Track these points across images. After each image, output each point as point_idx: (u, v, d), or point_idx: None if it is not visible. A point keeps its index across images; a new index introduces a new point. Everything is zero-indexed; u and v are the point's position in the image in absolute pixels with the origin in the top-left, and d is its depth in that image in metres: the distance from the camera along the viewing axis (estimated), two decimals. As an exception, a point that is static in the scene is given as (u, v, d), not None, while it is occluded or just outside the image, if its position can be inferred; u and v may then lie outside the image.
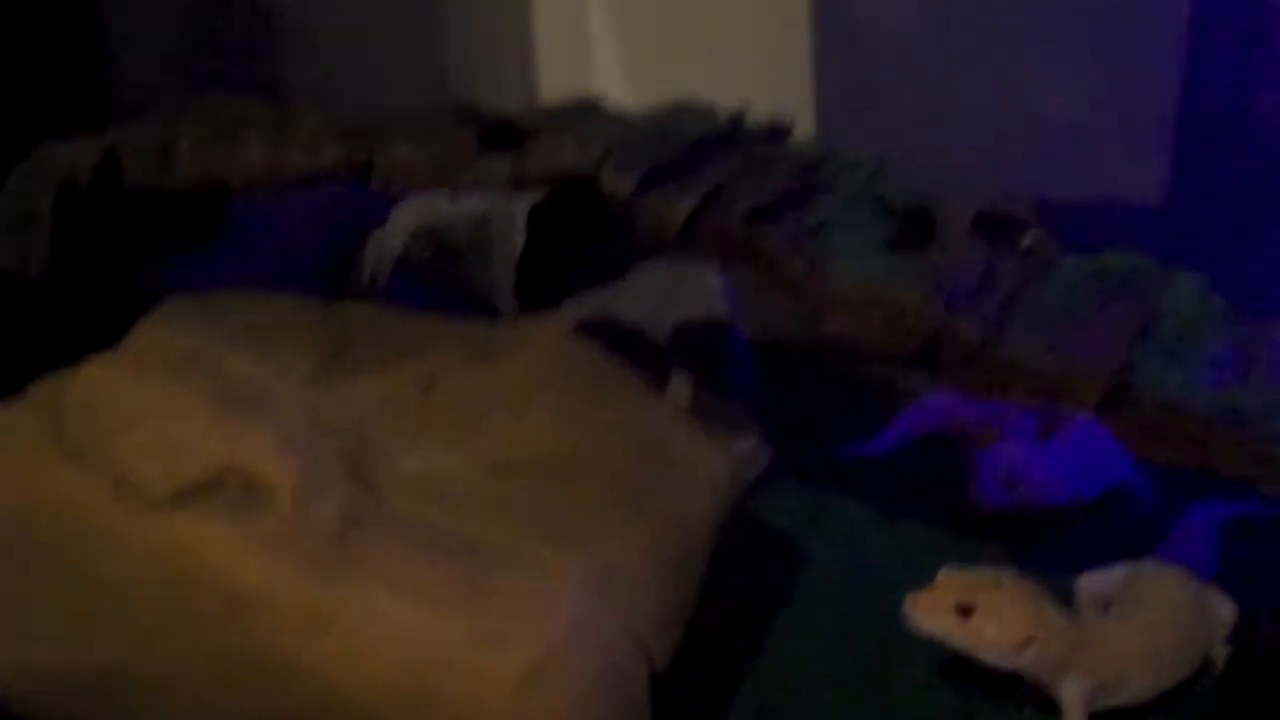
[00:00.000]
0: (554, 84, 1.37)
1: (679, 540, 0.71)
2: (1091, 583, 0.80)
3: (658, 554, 0.70)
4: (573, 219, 1.18)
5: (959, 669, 0.75)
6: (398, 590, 0.64)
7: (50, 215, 0.79)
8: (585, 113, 0.81)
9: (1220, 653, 0.77)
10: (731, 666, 0.78)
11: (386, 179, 0.72)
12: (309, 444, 0.69)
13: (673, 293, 1.16)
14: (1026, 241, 0.71)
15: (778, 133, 0.79)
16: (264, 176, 0.75)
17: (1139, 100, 1.24)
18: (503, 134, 0.74)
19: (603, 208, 1.16)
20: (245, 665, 0.65)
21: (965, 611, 0.68)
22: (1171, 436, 0.65)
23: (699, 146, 0.73)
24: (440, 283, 1.19)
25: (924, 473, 1.00)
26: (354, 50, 1.31)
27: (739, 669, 0.78)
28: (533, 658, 0.63)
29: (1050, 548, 0.89)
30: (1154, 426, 0.64)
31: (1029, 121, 1.27)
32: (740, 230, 0.66)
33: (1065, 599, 0.81)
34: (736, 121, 0.78)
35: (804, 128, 1.23)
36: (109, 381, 0.71)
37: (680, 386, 1.03)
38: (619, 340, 1.13)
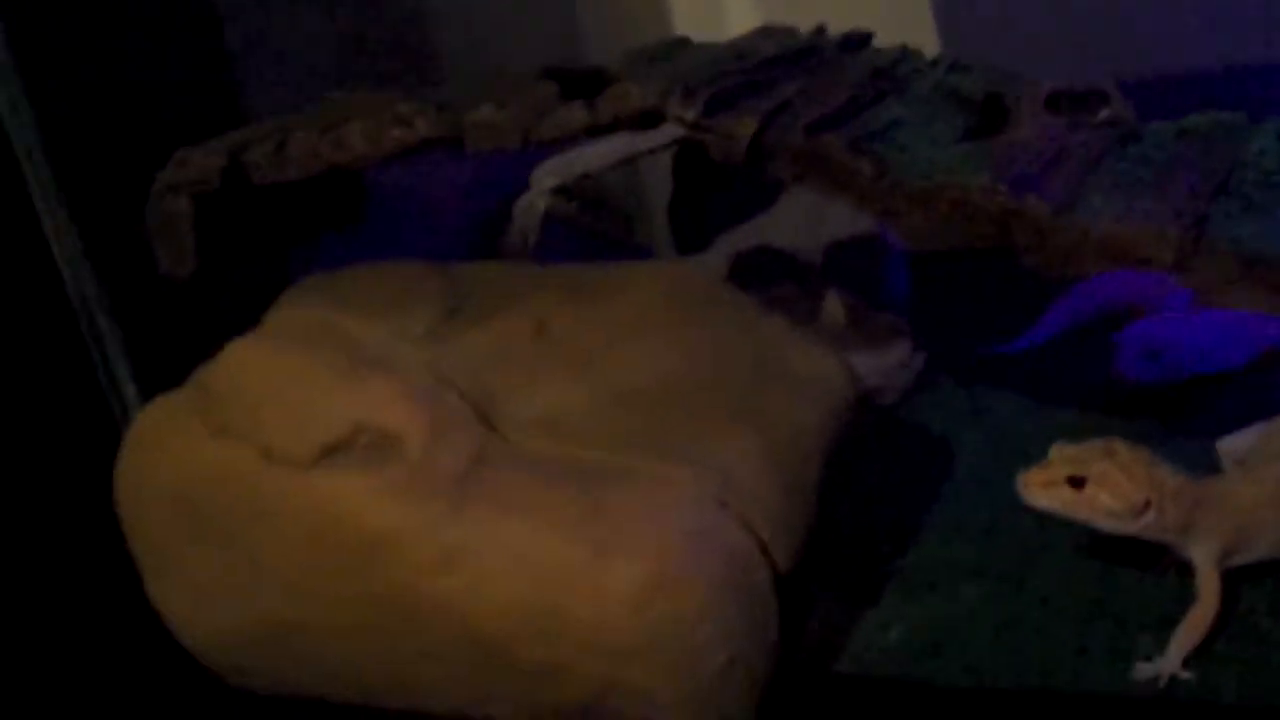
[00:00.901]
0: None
1: (792, 445, 0.73)
2: (1231, 444, 0.78)
3: (771, 460, 0.72)
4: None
5: (1107, 551, 0.75)
6: (520, 517, 0.68)
7: (190, 219, 0.85)
8: (671, 50, 0.83)
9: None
10: (878, 569, 0.80)
11: (476, 142, 0.76)
12: (431, 395, 0.73)
13: (819, 213, 1.18)
14: (1104, 113, 0.71)
15: (853, 42, 0.80)
16: (368, 156, 0.79)
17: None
18: (586, 84, 0.76)
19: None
20: (386, 606, 0.70)
21: (1078, 483, 0.69)
22: (1255, 285, 0.63)
23: (768, 66, 0.74)
24: (591, 234, 1.24)
25: (1075, 359, 0.99)
26: (501, 29, 1.36)
27: (886, 571, 0.80)
28: (650, 567, 0.66)
29: (1199, 418, 0.88)
30: (1235, 278, 0.63)
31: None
32: (803, 143, 0.68)
33: (1214, 467, 0.80)
34: (814, 37, 0.80)
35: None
36: (249, 359, 0.76)
37: (834, 304, 1.06)
38: (773, 266, 1.15)
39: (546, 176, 1.14)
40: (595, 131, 0.75)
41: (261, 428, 0.74)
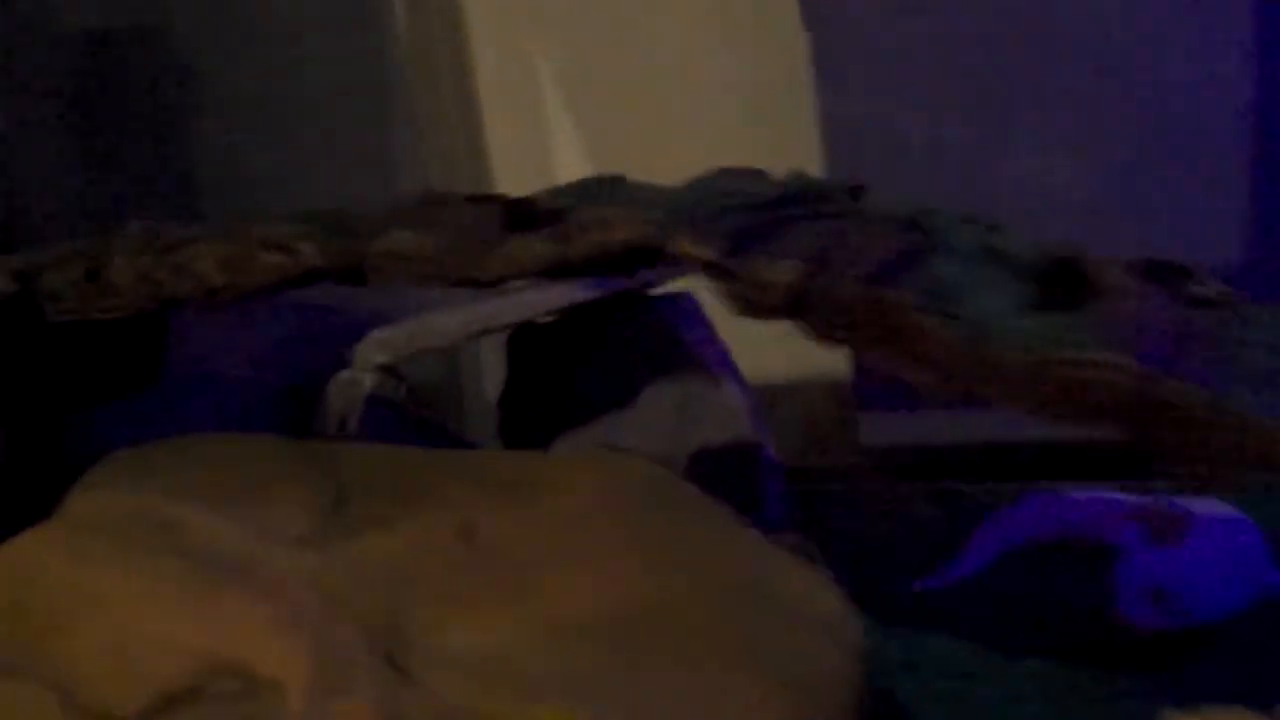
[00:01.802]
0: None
1: (814, 699, 0.54)
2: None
3: (796, 722, 0.53)
4: (567, 336, 1.03)
5: None
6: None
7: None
8: (610, 187, 0.65)
9: None
10: None
11: (385, 276, 0.56)
12: (319, 623, 0.51)
13: (687, 414, 1.01)
14: (1205, 290, 0.57)
15: (854, 191, 0.64)
16: (227, 288, 0.58)
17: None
18: (525, 215, 0.58)
19: (606, 319, 1.02)
20: None
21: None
22: None
23: (775, 206, 0.58)
24: (419, 425, 1.03)
25: (1023, 593, 0.85)
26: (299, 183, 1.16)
27: None
28: None
29: (1212, 672, 0.73)
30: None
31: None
32: (860, 295, 0.51)
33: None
34: (801, 182, 0.64)
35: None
36: (40, 566, 0.53)
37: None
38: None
39: (376, 350, 0.94)
40: (563, 271, 0.56)
41: (59, 667, 0.51)
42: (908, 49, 1.07)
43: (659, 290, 1.04)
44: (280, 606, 0.51)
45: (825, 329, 0.52)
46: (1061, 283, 0.56)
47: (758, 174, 0.66)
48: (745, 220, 0.54)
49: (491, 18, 1.26)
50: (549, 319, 1.04)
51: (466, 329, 0.92)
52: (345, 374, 0.94)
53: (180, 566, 0.52)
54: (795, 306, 0.53)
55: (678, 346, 1.02)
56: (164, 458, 0.60)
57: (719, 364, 1.03)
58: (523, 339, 1.05)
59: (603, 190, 0.64)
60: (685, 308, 1.04)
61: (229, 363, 0.96)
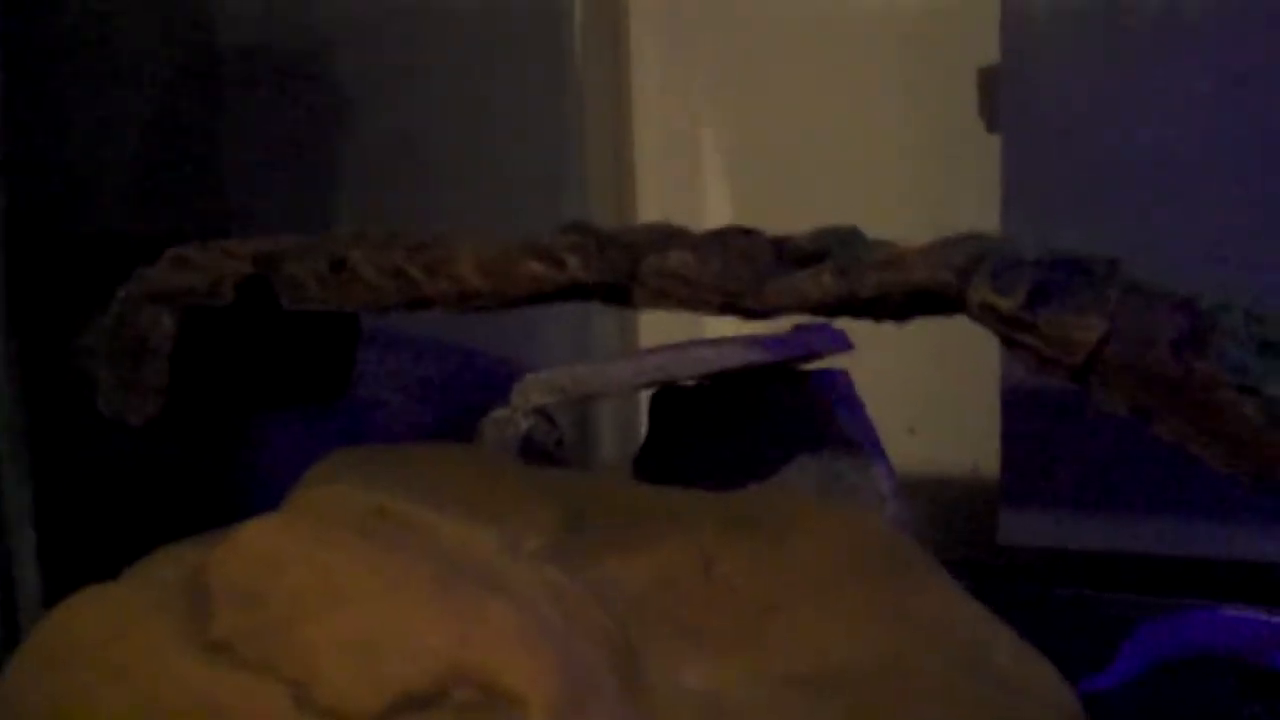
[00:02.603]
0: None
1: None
2: None
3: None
4: (714, 401, 1.01)
5: None
6: None
7: (171, 342, 0.60)
8: (850, 240, 0.64)
9: None
10: None
11: (654, 297, 0.54)
12: (565, 642, 0.49)
13: (832, 493, 0.99)
14: None
15: (1111, 264, 0.62)
16: (485, 294, 0.56)
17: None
18: (792, 252, 0.56)
19: (758, 388, 1.00)
20: None
21: None
22: None
23: (1057, 265, 0.56)
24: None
25: (1177, 705, 0.82)
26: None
27: None
28: None
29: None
30: None
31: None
32: (1169, 365, 0.49)
33: None
34: (1063, 251, 0.62)
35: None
36: (282, 554, 0.51)
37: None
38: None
39: (535, 390, 0.92)
40: (844, 309, 0.55)
41: (293, 656, 0.49)
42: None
43: (813, 366, 1.03)
44: (530, 619, 0.49)
45: (1124, 395, 0.51)
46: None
47: (1009, 239, 0.65)
48: (1045, 275, 0.53)
49: (655, 79, 1.26)
50: (693, 383, 1.02)
51: (637, 377, 0.90)
52: (501, 412, 0.93)
53: (428, 567, 0.50)
54: (1093, 369, 0.51)
55: (829, 423, 1.00)
56: (396, 460, 0.58)
57: (869, 445, 1.01)
58: (667, 400, 1.03)
59: (849, 239, 0.62)
60: (840, 384, 1.02)
61: (392, 390, 0.95)
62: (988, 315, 0.52)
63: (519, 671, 0.48)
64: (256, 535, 0.51)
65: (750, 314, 0.55)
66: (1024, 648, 0.59)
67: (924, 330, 1.21)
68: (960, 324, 1.20)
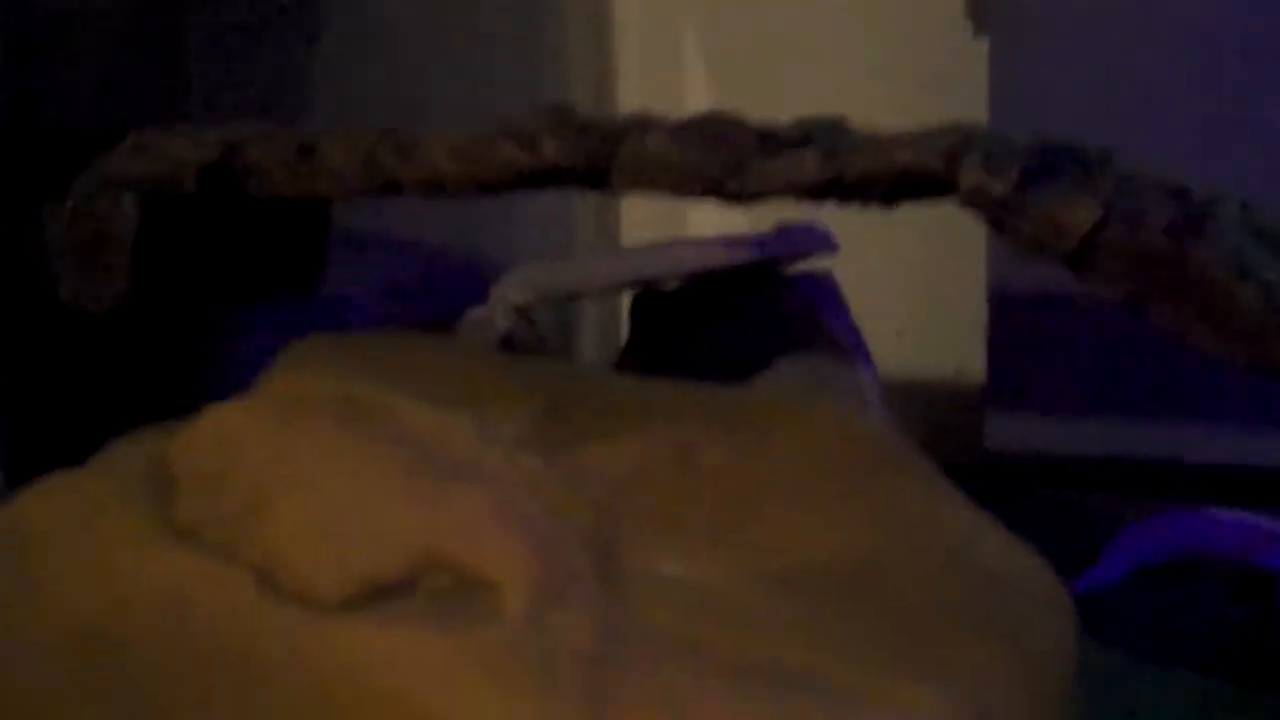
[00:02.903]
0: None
1: (1043, 669, 0.51)
2: None
3: (1029, 687, 0.49)
4: (697, 304, 0.99)
5: None
6: (704, 741, 0.43)
7: (134, 229, 0.59)
8: (835, 127, 0.62)
9: None
10: None
11: (632, 182, 0.53)
12: (542, 528, 0.48)
13: (823, 381, 0.98)
14: None
15: (1103, 152, 0.61)
16: (458, 178, 0.55)
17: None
18: (775, 137, 0.55)
19: (742, 290, 0.98)
20: None
21: None
22: None
23: (1046, 151, 0.54)
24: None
25: (1166, 608, 0.82)
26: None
27: None
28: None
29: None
30: None
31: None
32: (1165, 248, 0.48)
33: None
34: (1055, 138, 0.60)
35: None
36: (247, 437, 0.50)
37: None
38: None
39: (516, 289, 0.90)
40: (831, 193, 0.53)
41: (259, 542, 0.48)
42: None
43: (799, 269, 1.01)
44: (505, 505, 0.48)
45: (1118, 280, 0.49)
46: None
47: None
48: (1036, 159, 0.51)
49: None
50: (675, 285, 1.01)
51: (617, 275, 0.88)
52: (479, 311, 0.91)
53: (398, 452, 0.49)
54: (1087, 253, 0.49)
55: (814, 326, 0.99)
56: (367, 348, 0.57)
57: (855, 349, 1.00)
58: (648, 303, 1.02)
59: (834, 126, 0.60)
60: (825, 287, 1.01)
61: (367, 290, 0.93)
62: (979, 199, 0.50)
63: (493, 557, 0.47)
64: (220, 420, 0.50)
65: (733, 199, 0.53)
66: (1014, 544, 0.58)
67: (911, 233, 1.20)
68: (947, 227, 1.19)
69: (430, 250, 0.99)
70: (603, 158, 0.53)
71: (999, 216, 0.50)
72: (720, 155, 0.52)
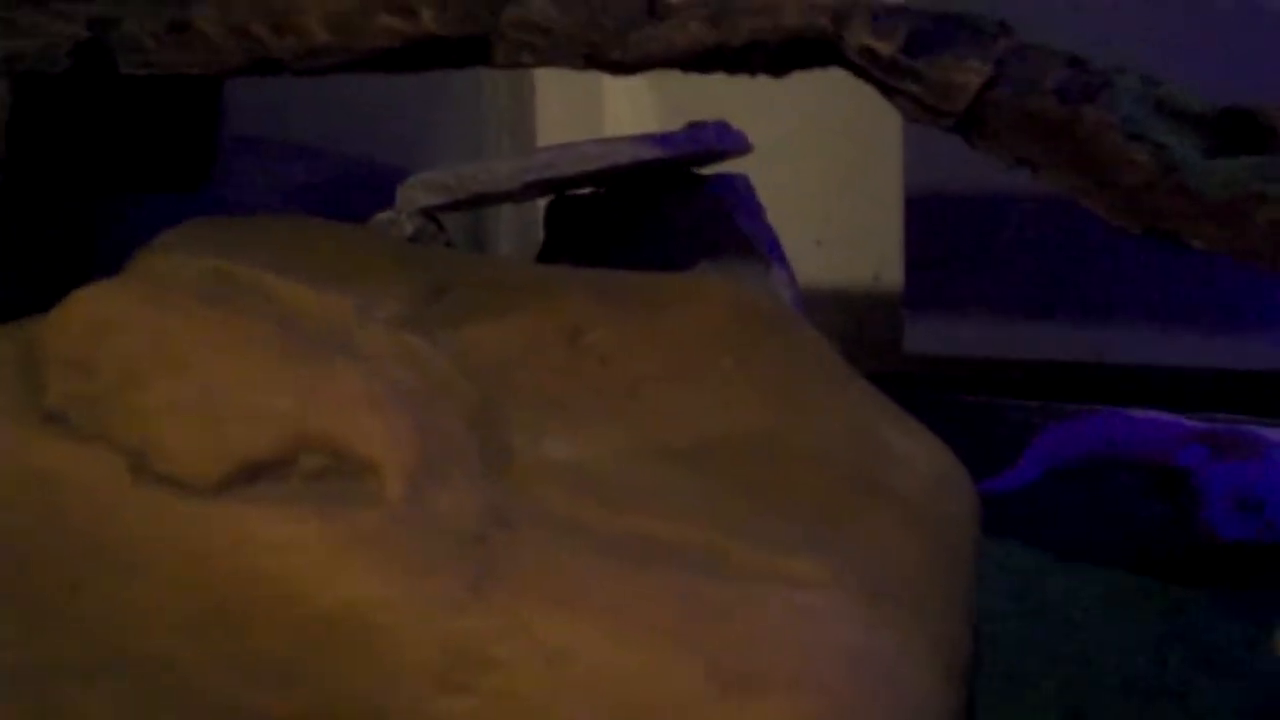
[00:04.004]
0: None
1: (945, 547, 0.50)
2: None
3: (933, 570, 0.48)
4: (610, 208, 0.98)
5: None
6: (587, 617, 0.42)
7: (6, 114, 0.56)
8: None
9: None
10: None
11: (514, 52, 0.51)
12: (422, 407, 0.47)
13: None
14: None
15: (1002, 25, 0.59)
16: (332, 49, 0.52)
17: None
18: (666, 6, 0.53)
19: (655, 194, 0.97)
20: (340, 731, 0.42)
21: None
22: None
23: (942, 21, 0.53)
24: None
25: (1081, 505, 0.82)
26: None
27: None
28: (811, 707, 0.41)
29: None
30: None
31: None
32: (1055, 109, 0.46)
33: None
34: (950, 10, 0.58)
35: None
36: (115, 317, 0.48)
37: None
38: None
39: (422, 191, 0.89)
40: (716, 60, 0.51)
41: (131, 424, 0.46)
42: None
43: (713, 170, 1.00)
44: (382, 384, 0.46)
45: (1009, 143, 0.48)
46: (1240, 133, 0.52)
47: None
48: (925, 23, 0.50)
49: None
50: (587, 191, 0.99)
51: (523, 176, 0.86)
52: (385, 214, 0.89)
53: (271, 330, 0.47)
54: (977, 116, 0.48)
55: (729, 228, 0.98)
56: (246, 229, 0.54)
57: (769, 249, 0.98)
58: (562, 208, 1.00)
59: None
60: (739, 189, 0.99)
61: (263, 192, 0.91)
62: (866, 60, 0.49)
63: (370, 436, 0.45)
64: (87, 301, 0.48)
65: (616, 68, 0.51)
66: (914, 426, 0.57)
67: (827, 142, 1.18)
68: (863, 135, 1.17)
69: (337, 156, 0.96)
70: (484, 26, 0.51)
71: (887, 80, 0.48)
72: (602, 22, 0.50)
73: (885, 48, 0.48)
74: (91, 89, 0.58)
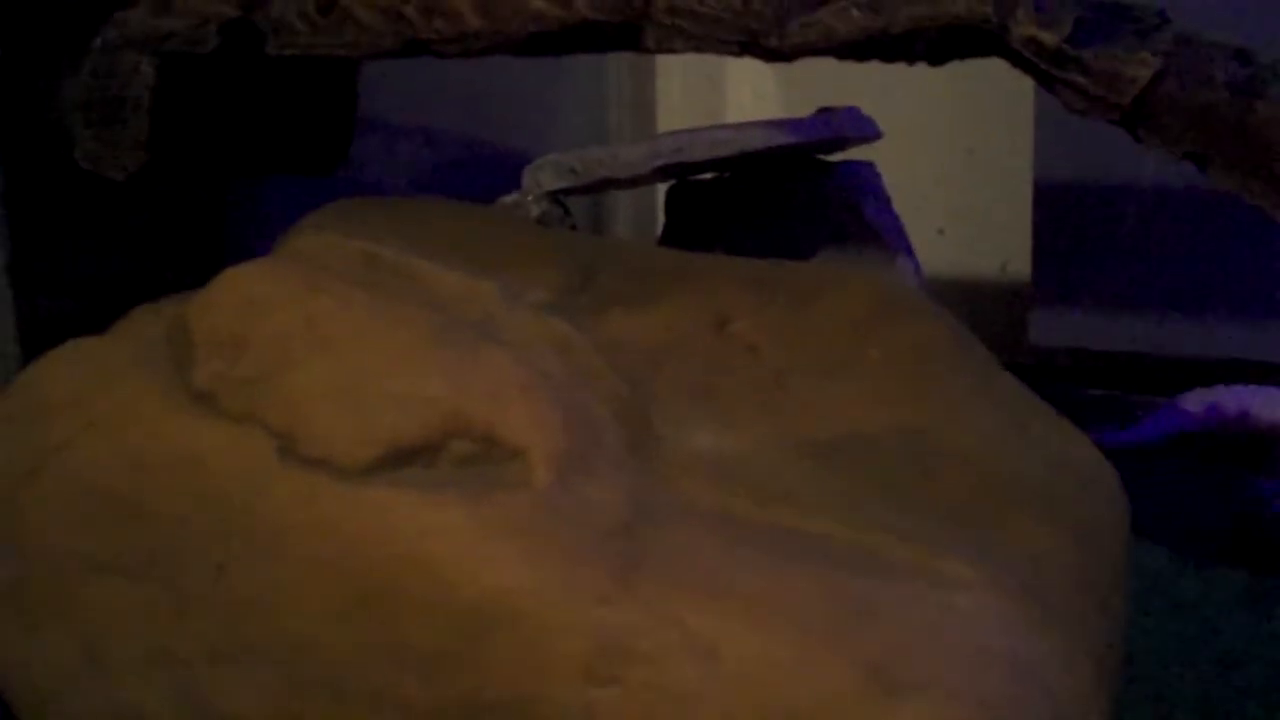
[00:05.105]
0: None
1: (1096, 547, 0.49)
2: None
3: (1083, 573, 0.47)
4: (734, 193, 0.97)
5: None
6: (737, 611, 0.42)
7: (151, 91, 0.56)
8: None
9: None
10: None
11: (669, 38, 0.50)
12: (569, 394, 0.46)
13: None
14: None
15: (1161, 14, 0.58)
16: (484, 33, 0.52)
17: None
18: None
19: (782, 184, 0.96)
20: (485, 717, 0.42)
21: None
22: None
23: (1108, 10, 0.51)
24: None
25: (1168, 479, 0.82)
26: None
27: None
28: (964, 715, 0.40)
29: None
30: None
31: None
32: (1226, 104, 0.45)
33: None
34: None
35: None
36: (263, 295, 0.48)
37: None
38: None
39: (546, 173, 0.88)
40: (877, 47, 0.50)
41: (279, 405, 0.46)
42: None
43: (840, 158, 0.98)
44: (531, 369, 0.46)
45: (1177, 137, 0.46)
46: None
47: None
48: (1089, 13, 0.48)
49: None
50: (709, 177, 0.98)
51: (652, 160, 0.86)
52: (511, 197, 0.89)
53: (421, 314, 0.47)
54: (1144, 109, 0.47)
55: (855, 216, 0.96)
56: (394, 211, 0.54)
57: (895, 239, 0.97)
58: (684, 193, 0.99)
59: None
60: (866, 177, 0.98)
61: (400, 175, 0.91)
62: (1031, 51, 0.47)
63: (519, 422, 0.45)
64: (238, 280, 0.48)
65: (773, 55, 0.51)
66: (1067, 427, 0.56)
67: (956, 129, 1.16)
68: (993, 122, 1.15)
69: (460, 138, 0.96)
70: (637, 12, 0.51)
71: (1051, 71, 0.47)
72: (759, 8, 0.49)
73: (1051, 38, 0.47)
74: (233, 69, 0.58)
